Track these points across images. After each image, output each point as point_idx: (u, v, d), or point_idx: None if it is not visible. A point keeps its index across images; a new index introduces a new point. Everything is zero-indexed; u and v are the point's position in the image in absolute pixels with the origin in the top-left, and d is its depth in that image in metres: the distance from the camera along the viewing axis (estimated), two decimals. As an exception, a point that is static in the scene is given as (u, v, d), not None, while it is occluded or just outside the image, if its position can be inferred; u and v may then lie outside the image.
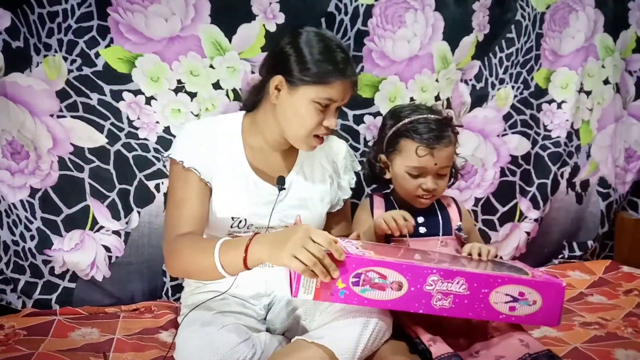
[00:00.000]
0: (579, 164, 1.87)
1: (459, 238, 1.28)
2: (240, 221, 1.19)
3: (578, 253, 1.90)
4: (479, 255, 1.14)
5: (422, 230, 1.25)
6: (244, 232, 1.20)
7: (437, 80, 1.64)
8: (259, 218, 1.19)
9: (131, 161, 1.46)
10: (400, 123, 1.26)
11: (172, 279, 1.52)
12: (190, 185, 1.16)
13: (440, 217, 1.29)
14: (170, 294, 1.53)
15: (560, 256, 1.89)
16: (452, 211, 1.32)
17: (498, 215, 1.80)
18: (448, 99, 1.69)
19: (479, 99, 1.73)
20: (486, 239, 1.77)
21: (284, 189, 1.21)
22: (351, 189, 1.36)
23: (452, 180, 1.35)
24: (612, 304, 1.53)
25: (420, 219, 1.27)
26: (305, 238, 0.91)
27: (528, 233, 1.81)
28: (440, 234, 1.26)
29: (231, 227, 1.20)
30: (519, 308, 1.01)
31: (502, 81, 1.74)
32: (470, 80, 1.73)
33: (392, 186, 1.35)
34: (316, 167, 1.30)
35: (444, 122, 1.26)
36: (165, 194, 1.50)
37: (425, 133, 1.21)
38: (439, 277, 0.96)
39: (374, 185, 1.57)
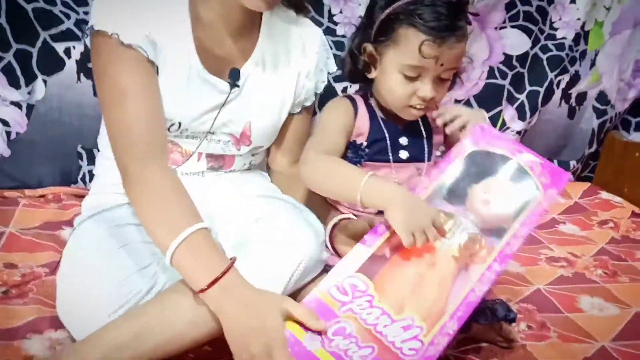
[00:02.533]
0: (580, 73, 1.62)
1: (434, 164, 1.05)
2: (172, 124, 0.91)
3: (557, 173, 1.72)
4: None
5: (404, 155, 0.99)
6: (173, 136, 0.94)
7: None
8: (198, 122, 0.92)
9: (31, 15, 1.15)
10: (399, 3, 0.91)
11: (90, 162, 1.29)
12: (137, 70, 0.82)
13: (425, 140, 1.02)
14: (87, 180, 1.31)
15: (537, 174, 1.71)
16: (438, 129, 1.03)
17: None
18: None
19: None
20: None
21: (238, 86, 0.93)
22: (316, 94, 1.07)
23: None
24: (584, 237, 1.39)
25: (404, 141, 0.99)
26: (268, 347, 0.68)
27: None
28: (425, 160, 1.00)
29: None
30: None
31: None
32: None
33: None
34: (281, 59, 0.99)
35: (458, 6, 0.91)
36: (79, 62, 1.22)
37: (433, 20, 0.88)
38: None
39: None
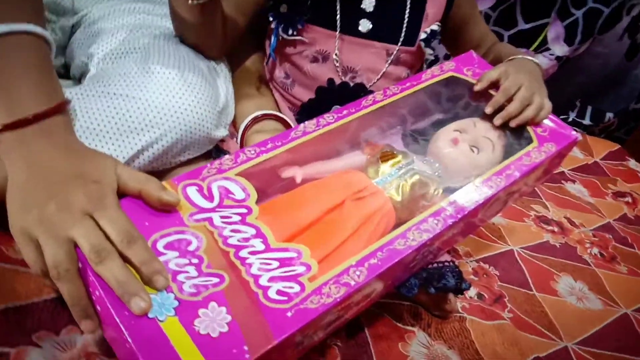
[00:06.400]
0: (663, 3, 1.25)
1: (421, 53, 0.73)
2: None
3: (586, 122, 1.40)
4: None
5: (366, 26, 0.68)
6: None
7: None
8: None
9: None
10: None
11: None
12: None
13: (409, 10, 0.68)
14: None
15: (562, 117, 1.40)
16: None
17: (512, 31, 1.23)
18: None
19: None
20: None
21: None
22: None
23: None
24: (591, 204, 1.11)
25: (369, 4, 0.67)
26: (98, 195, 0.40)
27: (539, 72, 1.27)
28: (400, 41, 0.69)
29: None
30: None
31: None
32: None
33: None
34: None
35: None
36: None
37: None
38: None
39: None
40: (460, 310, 0.68)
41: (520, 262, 0.84)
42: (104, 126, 0.51)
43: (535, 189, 1.09)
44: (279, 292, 0.40)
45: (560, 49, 1.25)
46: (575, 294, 0.81)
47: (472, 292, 0.73)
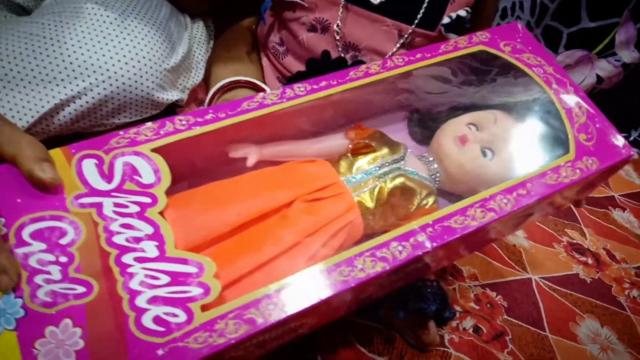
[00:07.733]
0: None
1: (441, 40, 0.60)
2: None
3: (649, 143, 1.23)
4: None
5: None
6: None
7: None
8: None
9: None
10: None
11: None
12: None
13: None
14: None
15: (623, 135, 1.22)
16: None
17: (573, 29, 1.08)
18: None
19: None
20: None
21: None
22: None
23: None
24: (638, 236, 0.95)
25: None
26: None
27: (600, 79, 1.11)
28: (416, 21, 0.58)
29: None
30: None
31: None
32: None
33: None
34: None
35: None
36: None
37: None
38: None
39: None
40: (446, 343, 0.56)
41: (537, 294, 0.70)
42: (18, 72, 0.42)
43: (575, 211, 0.94)
44: (156, 320, 0.30)
45: (628, 55, 1.08)
46: (599, 343, 0.67)
47: (467, 323, 0.61)
